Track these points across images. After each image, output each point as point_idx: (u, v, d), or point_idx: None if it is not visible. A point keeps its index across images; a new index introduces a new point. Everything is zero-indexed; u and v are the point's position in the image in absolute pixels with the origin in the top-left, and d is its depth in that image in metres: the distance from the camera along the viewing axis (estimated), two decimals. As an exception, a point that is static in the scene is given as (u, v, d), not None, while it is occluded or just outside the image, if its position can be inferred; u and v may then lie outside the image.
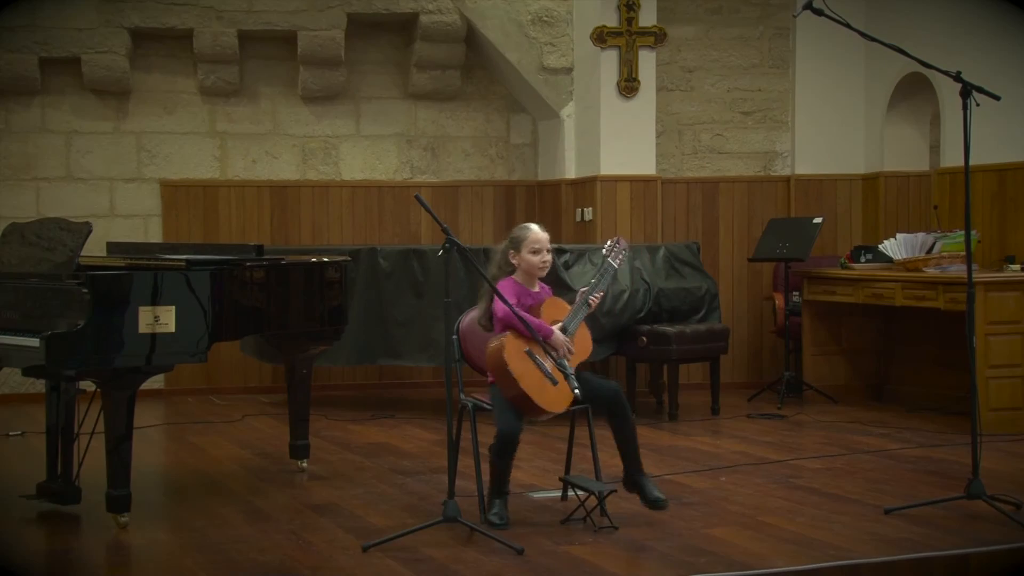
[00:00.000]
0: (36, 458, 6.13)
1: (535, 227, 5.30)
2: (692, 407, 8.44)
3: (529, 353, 5.15)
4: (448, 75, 9.80)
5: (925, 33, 8.66)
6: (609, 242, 5.45)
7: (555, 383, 5.15)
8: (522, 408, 5.14)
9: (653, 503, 5.26)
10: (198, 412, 8.65)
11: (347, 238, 9.75)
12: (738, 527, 5.15)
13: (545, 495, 5.81)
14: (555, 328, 5.20)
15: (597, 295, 5.28)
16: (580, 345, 5.30)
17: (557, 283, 7.92)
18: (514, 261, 5.27)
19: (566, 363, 5.35)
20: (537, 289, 5.38)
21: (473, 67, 9.96)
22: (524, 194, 10.14)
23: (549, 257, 5.29)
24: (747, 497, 5.73)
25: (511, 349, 5.13)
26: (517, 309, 5.09)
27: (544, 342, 5.09)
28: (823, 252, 9.42)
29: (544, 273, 5.33)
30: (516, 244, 5.27)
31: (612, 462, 6.54)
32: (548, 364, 5.15)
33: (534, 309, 5.25)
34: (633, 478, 5.36)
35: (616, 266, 5.37)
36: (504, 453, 5.19)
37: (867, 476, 6.17)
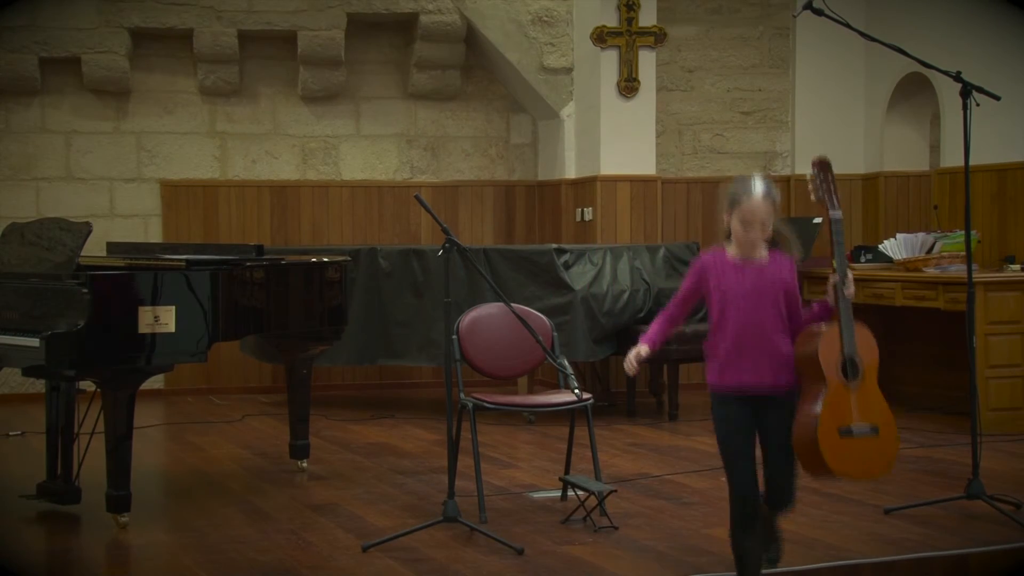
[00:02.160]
0: (36, 458, 6.13)
1: (758, 188, 4.06)
2: (692, 407, 8.44)
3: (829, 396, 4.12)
4: (448, 75, 9.80)
5: (925, 33, 8.66)
6: (808, 176, 4.41)
7: (851, 433, 4.16)
8: (806, 462, 4.17)
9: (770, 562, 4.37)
10: (198, 412, 8.65)
11: (347, 238, 9.75)
12: (738, 527, 5.15)
13: (545, 495, 5.81)
14: (644, 344, 4.24)
15: (848, 280, 4.16)
16: (869, 354, 4.19)
17: (557, 283, 7.94)
18: (726, 219, 4.13)
19: (566, 363, 5.37)
20: (760, 258, 4.11)
21: (473, 67, 9.96)
22: (524, 194, 10.14)
23: (759, 234, 4.08)
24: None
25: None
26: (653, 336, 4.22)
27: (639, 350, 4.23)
28: (823, 252, 9.42)
29: (755, 245, 4.10)
30: (732, 202, 4.09)
31: (612, 462, 6.56)
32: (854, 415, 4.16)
33: (751, 289, 4.09)
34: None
35: (839, 216, 4.33)
36: (747, 524, 4.13)
37: (867, 476, 6.17)
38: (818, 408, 4.04)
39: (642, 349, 4.23)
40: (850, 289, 4.14)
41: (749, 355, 4.06)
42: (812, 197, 4.38)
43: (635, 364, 4.25)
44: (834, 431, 4.07)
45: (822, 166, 4.35)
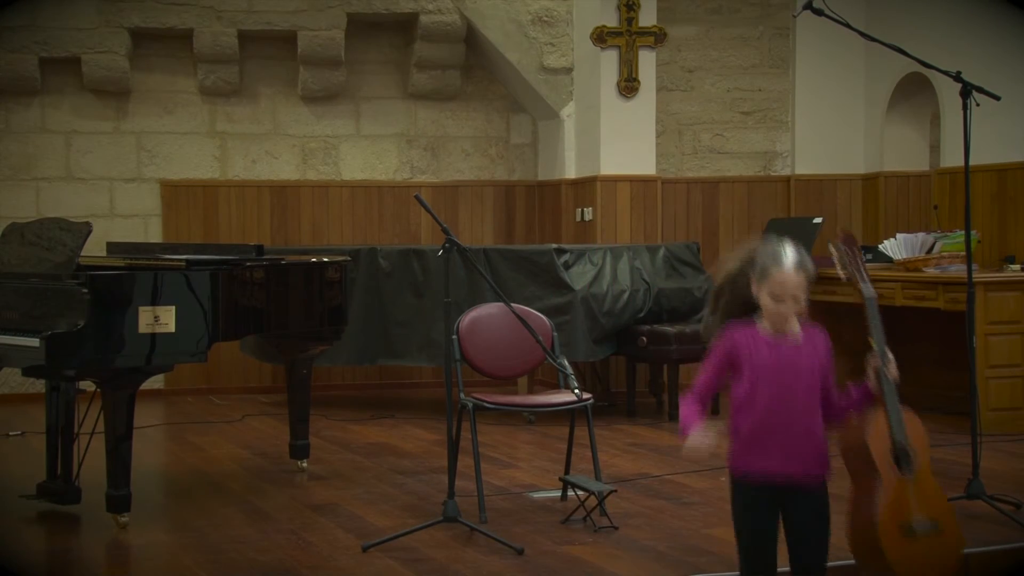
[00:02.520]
0: (36, 458, 6.13)
1: (789, 259, 3.60)
2: (692, 407, 8.43)
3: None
4: (448, 75, 9.80)
5: (925, 33, 8.66)
6: (834, 253, 4.07)
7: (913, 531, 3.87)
8: (867, 564, 3.94)
9: None
10: (198, 412, 8.65)
11: (347, 238, 9.75)
12: (738, 527, 5.15)
13: (545, 495, 5.81)
14: (704, 431, 3.61)
15: (890, 360, 3.79)
16: (920, 441, 3.92)
17: (557, 283, 7.93)
18: (755, 290, 3.64)
19: (566, 363, 5.36)
20: (794, 333, 3.64)
21: (473, 67, 9.96)
22: (524, 194, 10.14)
23: (792, 308, 3.60)
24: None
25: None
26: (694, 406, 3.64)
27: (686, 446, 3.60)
28: (823, 252, 9.42)
29: (788, 321, 3.63)
30: (761, 273, 3.62)
31: (612, 462, 6.56)
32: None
33: (784, 369, 3.60)
34: None
35: (873, 293, 3.97)
36: None
37: (867, 476, 6.17)
38: (876, 506, 3.72)
39: (703, 438, 3.57)
40: (893, 371, 3.74)
41: (778, 439, 3.57)
42: (841, 275, 4.02)
43: (705, 448, 3.58)
44: (895, 530, 3.74)
45: (848, 241, 4.01)
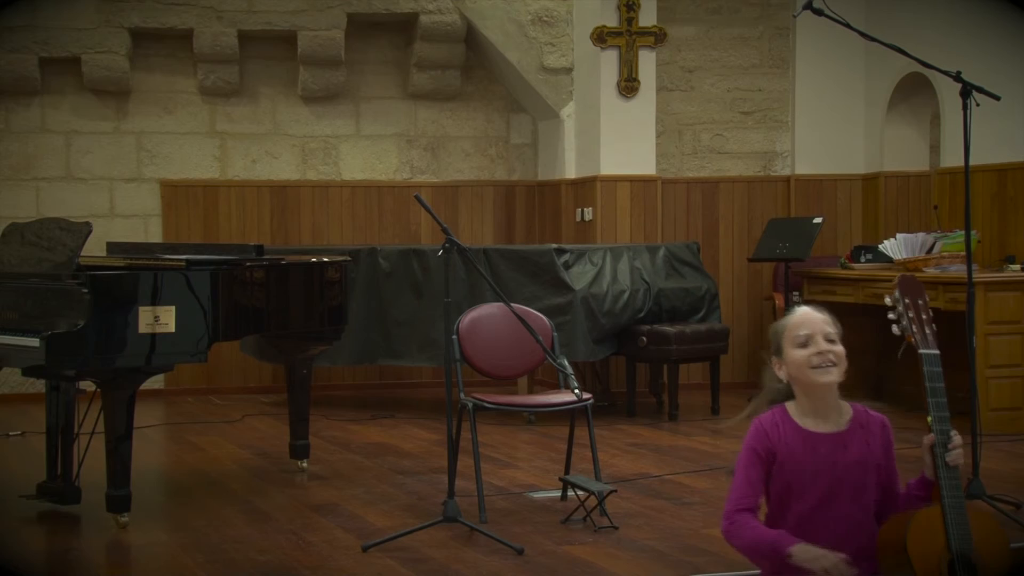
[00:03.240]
0: (36, 458, 6.13)
1: (800, 308, 3.19)
2: (692, 407, 8.44)
3: None
4: (448, 75, 9.80)
5: (925, 33, 8.66)
6: (889, 304, 3.21)
7: None
8: None
9: None
10: (198, 412, 8.65)
11: (347, 238, 9.75)
12: (738, 527, 5.15)
13: (545, 495, 5.81)
14: (803, 548, 2.95)
15: (953, 442, 3.06)
16: (995, 552, 2.97)
17: (557, 283, 7.93)
18: (781, 374, 3.14)
19: (566, 363, 5.35)
20: (840, 426, 3.11)
21: (473, 67, 9.96)
22: (524, 194, 10.14)
23: (828, 347, 3.10)
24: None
25: None
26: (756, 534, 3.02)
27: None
28: (823, 252, 9.42)
29: (830, 377, 3.09)
30: (776, 344, 3.15)
31: (612, 462, 6.56)
32: None
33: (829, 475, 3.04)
34: None
35: (935, 352, 3.24)
36: None
37: (867, 476, 6.17)
38: None
39: (831, 558, 2.92)
40: (956, 456, 3.00)
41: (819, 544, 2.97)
42: (894, 327, 3.19)
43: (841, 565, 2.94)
44: None
45: (909, 288, 3.19)
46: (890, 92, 9.30)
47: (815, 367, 3.04)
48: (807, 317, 3.05)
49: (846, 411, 3.09)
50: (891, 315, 3.18)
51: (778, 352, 3.08)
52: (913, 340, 3.13)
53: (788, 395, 3.14)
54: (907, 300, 3.17)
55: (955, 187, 8.52)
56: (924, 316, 3.18)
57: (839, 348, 3.05)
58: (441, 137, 10.01)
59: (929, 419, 3.04)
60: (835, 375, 3.04)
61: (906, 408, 8.26)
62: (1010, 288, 7.38)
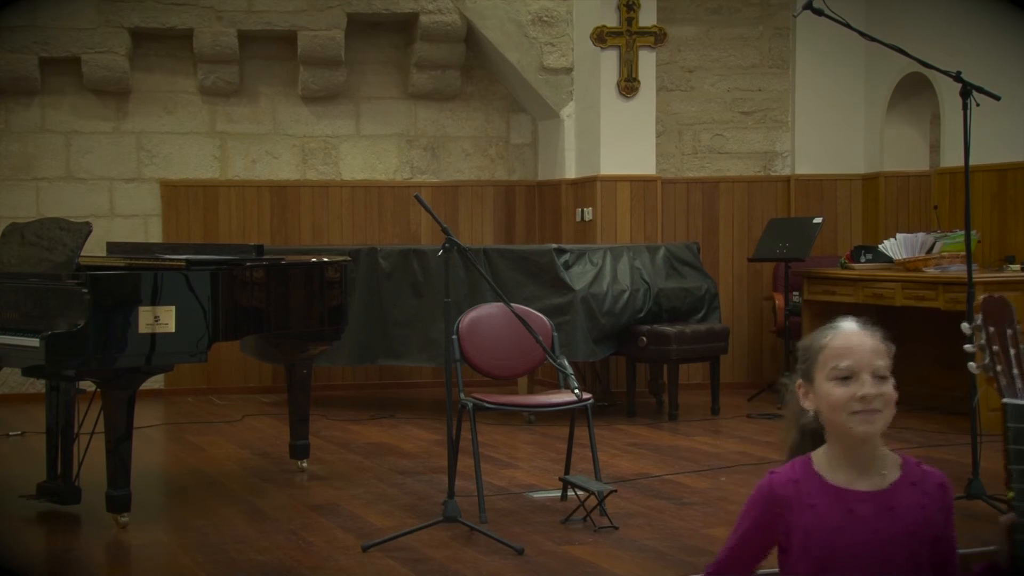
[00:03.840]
0: (36, 458, 6.13)
1: (845, 324, 2.44)
2: (692, 407, 8.44)
3: None
4: (448, 75, 9.79)
5: (925, 33, 8.66)
6: (968, 332, 2.41)
7: None
8: None
9: None
10: (198, 412, 8.65)
11: (347, 238, 9.75)
12: (738, 527, 5.15)
13: (545, 495, 5.81)
14: None
15: None
16: None
17: (557, 283, 7.93)
18: (807, 404, 2.44)
19: (566, 363, 5.35)
20: (884, 484, 2.39)
21: (473, 67, 9.96)
22: (524, 194, 10.14)
23: (875, 390, 2.35)
24: (747, 497, 5.73)
25: None
26: None
27: None
28: (823, 252, 9.42)
29: (872, 428, 2.35)
30: (808, 366, 2.43)
31: (612, 462, 6.56)
32: None
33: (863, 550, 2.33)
34: None
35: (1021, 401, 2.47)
36: None
37: (867, 476, 6.16)
38: None
39: None
40: None
41: None
42: (971, 365, 2.49)
43: None
44: None
45: (995, 314, 2.39)
46: (890, 92, 9.30)
47: (855, 413, 2.31)
48: (853, 344, 2.31)
49: (892, 463, 2.36)
50: (968, 347, 2.42)
51: (807, 377, 2.38)
52: (996, 385, 2.42)
53: (818, 430, 2.43)
54: (991, 330, 2.39)
55: (955, 187, 8.52)
56: (1014, 352, 2.40)
57: (889, 390, 2.33)
58: (441, 137, 10.01)
59: (1010, 493, 2.35)
60: (879, 425, 2.32)
61: (907, 408, 8.24)
62: (1010, 288, 7.37)
